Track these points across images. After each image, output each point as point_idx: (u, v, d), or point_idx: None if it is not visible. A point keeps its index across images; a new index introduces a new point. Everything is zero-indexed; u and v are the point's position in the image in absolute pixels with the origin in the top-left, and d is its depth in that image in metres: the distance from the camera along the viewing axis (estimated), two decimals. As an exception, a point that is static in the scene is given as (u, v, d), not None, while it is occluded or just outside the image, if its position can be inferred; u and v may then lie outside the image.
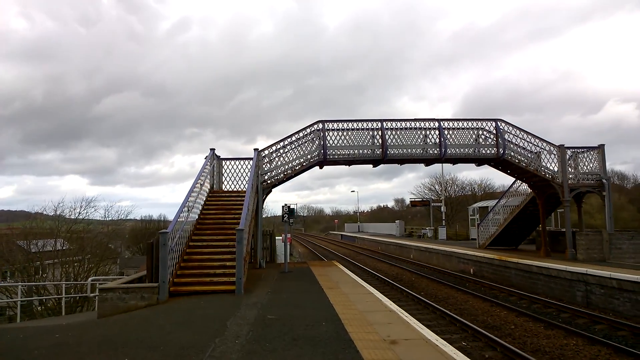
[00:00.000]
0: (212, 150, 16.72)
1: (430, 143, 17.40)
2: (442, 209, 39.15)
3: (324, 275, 13.79)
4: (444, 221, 39.09)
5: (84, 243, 23.91)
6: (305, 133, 17.28)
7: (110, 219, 26.46)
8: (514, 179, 20.93)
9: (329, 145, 17.05)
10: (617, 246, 16.48)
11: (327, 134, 17.11)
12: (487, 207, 33.27)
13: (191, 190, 12.95)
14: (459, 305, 14.34)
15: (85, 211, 24.28)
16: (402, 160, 18.02)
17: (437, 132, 17.47)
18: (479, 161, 18.29)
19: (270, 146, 17.20)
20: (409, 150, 17.33)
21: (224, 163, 18.02)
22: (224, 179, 17.88)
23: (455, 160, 18.00)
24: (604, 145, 17.89)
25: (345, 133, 17.25)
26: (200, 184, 14.43)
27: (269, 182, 17.01)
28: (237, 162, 17.91)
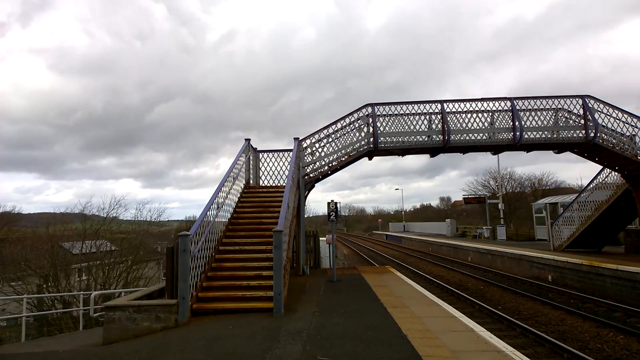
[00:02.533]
0: (247, 140, 14.65)
1: (501, 127, 14.55)
2: (500, 207, 35.60)
3: (381, 287, 11.33)
4: (502, 220, 35.52)
5: (122, 244, 22.64)
6: (352, 119, 14.89)
7: (147, 219, 25.11)
8: (601, 168, 17.61)
9: (379, 132, 14.55)
10: None
11: (377, 119, 14.63)
12: (558, 203, 29.64)
13: (222, 185, 10.87)
14: (555, 325, 11.48)
15: (114, 211, 22.96)
16: (466, 148, 15.24)
17: (507, 114, 14.60)
18: (562, 147, 15.21)
19: (312, 135, 14.94)
20: (474, 135, 14.56)
21: (261, 156, 15.92)
22: (261, 173, 15.77)
23: (532, 146, 15.02)
24: None
25: (398, 119, 14.70)
26: (234, 178, 12.36)
27: (311, 175, 14.74)
28: (276, 155, 15.75)
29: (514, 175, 45.74)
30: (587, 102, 14.38)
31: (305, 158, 14.78)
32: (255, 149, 15.73)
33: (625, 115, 14.46)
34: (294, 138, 14.67)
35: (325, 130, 14.82)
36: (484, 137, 14.46)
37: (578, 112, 14.52)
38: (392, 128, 14.68)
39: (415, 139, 14.63)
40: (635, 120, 14.46)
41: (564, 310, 13.11)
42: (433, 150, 15.21)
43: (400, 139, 14.62)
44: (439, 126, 14.54)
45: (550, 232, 22.51)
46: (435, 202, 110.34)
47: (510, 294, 16.61)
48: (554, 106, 14.59)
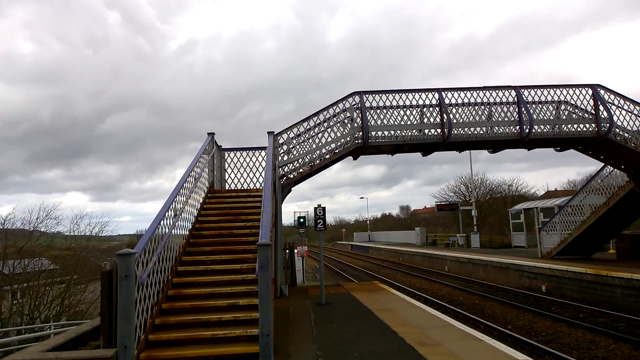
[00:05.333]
0: (211, 135, 12.14)
1: (506, 120, 12.82)
2: (473, 213, 34.47)
3: (385, 311, 9.09)
4: (475, 227, 34.37)
5: (55, 262, 19.21)
6: (337, 110, 12.70)
7: (88, 233, 21.63)
8: (599, 169, 16.35)
9: (370, 125, 12.44)
10: None
11: (366, 111, 12.51)
12: (534, 208, 28.68)
13: (180, 186, 8.33)
14: (588, 350, 9.62)
15: (43, 224, 19.41)
16: (467, 144, 13.40)
17: (510, 107, 12.90)
18: (569, 143, 13.67)
19: (289, 128, 12.63)
20: (477, 130, 12.76)
21: (227, 155, 13.41)
22: (227, 175, 13.25)
23: (539, 142, 13.37)
24: None
25: (390, 111, 12.65)
26: (195, 179, 9.81)
27: (289, 176, 12.40)
28: (245, 154, 13.28)
29: (486, 181, 45.18)
30: (598, 92, 12.91)
31: (282, 157, 12.43)
32: (220, 147, 13.21)
33: (639, 108, 13.10)
34: (268, 132, 12.31)
35: (305, 124, 12.56)
36: (488, 132, 12.66)
37: (588, 103, 13.00)
38: (383, 121, 12.60)
39: (410, 134, 12.62)
40: (646, 111, 13.15)
41: (584, 328, 11.37)
42: (429, 146, 13.26)
43: (393, 133, 12.56)
44: (437, 119, 12.60)
45: (538, 238, 21.17)
46: (395, 211, 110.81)
47: (510, 308, 14.83)
48: (561, 97, 13.02)
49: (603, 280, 14.16)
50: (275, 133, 12.46)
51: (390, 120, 12.61)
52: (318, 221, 10.23)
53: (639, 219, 17.99)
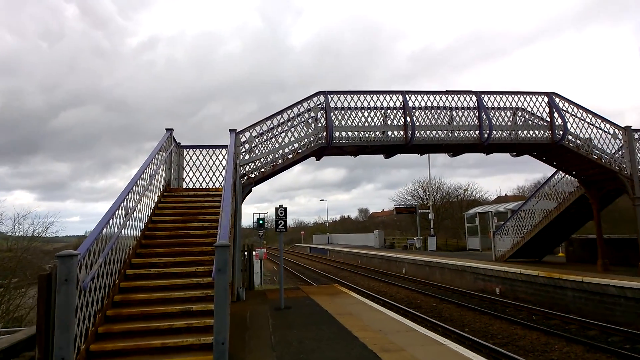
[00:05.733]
0: (170, 131, 11.56)
1: (467, 125, 12.99)
2: (431, 217, 35.10)
3: (346, 315, 8.88)
4: (432, 230, 35.00)
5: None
6: (301, 110, 12.42)
7: (30, 234, 20.17)
8: (551, 174, 16.92)
9: (334, 125, 12.24)
10: None
11: (331, 111, 12.31)
12: (489, 212, 29.49)
13: (132, 184, 7.78)
14: (543, 352, 9.79)
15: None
16: (428, 147, 13.47)
17: (471, 112, 13.10)
18: (524, 148, 14.03)
19: (252, 127, 12.23)
20: (439, 133, 12.84)
21: (185, 152, 12.82)
22: (185, 173, 12.67)
23: (497, 147, 13.64)
24: (678, 127, 14.13)
25: (354, 112, 12.51)
26: (150, 176, 9.24)
27: (251, 176, 11.99)
28: (205, 151, 12.75)
29: (443, 185, 46.20)
30: (554, 100, 13.31)
31: (244, 155, 12.00)
32: (178, 144, 12.62)
33: (590, 116, 13.62)
34: (230, 130, 11.87)
35: (269, 122, 12.19)
36: (449, 136, 12.77)
37: (544, 110, 13.39)
38: (348, 122, 12.45)
39: (373, 135, 12.52)
40: (599, 121, 13.67)
41: (539, 330, 11.62)
42: (392, 148, 13.22)
43: (357, 134, 12.41)
44: (400, 121, 12.58)
45: (493, 241, 21.73)
46: (354, 214, 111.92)
47: (466, 310, 15.03)
48: (519, 104, 13.33)
49: (555, 283, 14.60)
50: (237, 131, 12.03)
51: (355, 121, 12.47)
52: (279, 222, 9.90)
53: (588, 224, 18.74)
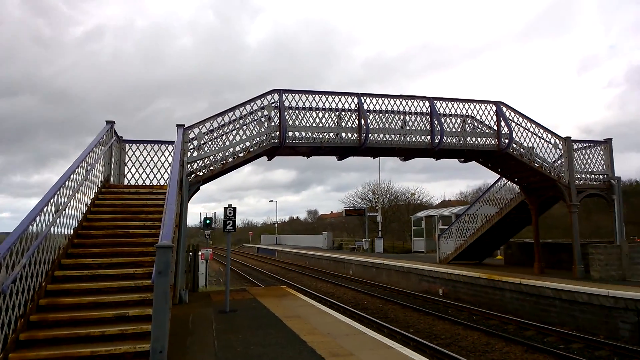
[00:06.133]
0: (111, 123, 10.86)
1: (419, 129, 13.20)
2: (379, 219, 35.67)
3: (294, 318, 8.67)
4: (380, 232, 35.59)
5: None
6: (254, 107, 12.08)
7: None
8: (494, 181, 17.61)
9: (288, 124, 12.01)
10: (636, 261, 13.55)
11: (285, 110, 12.06)
12: (434, 216, 30.35)
13: (65, 179, 7.17)
14: (484, 352, 10.05)
15: None
16: (381, 150, 13.55)
17: (424, 117, 13.34)
18: (472, 155, 14.46)
19: (202, 123, 11.73)
20: (392, 137, 12.95)
21: (128, 147, 12.11)
22: (127, 169, 11.96)
23: (449, 152, 13.97)
24: (611, 139, 15.09)
25: (309, 113, 12.34)
26: (87, 170, 8.58)
27: (198, 174, 11.49)
28: (150, 147, 12.11)
29: (391, 189, 47.11)
30: (501, 109, 13.81)
31: (192, 152, 11.49)
32: (120, 138, 11.89)
33: (533, 126, 14.25)
34: (178, 125, 11.32)
35: (220, 119, 11.75)
36: (402, 140, 12.90)
37: (491, 119, 13.86)
38: (302, 121, 12.26)
39: (327, 136, 12.42)
40: (541, 131, 14.34)
41: (480, 330, 11.97)
42: (346, 150, 13.17)
43: (311, 135, 12.25)
44: (355, 123, 12.56)
45: (437, 244, 22.33)
46: (302, 215, 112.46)
47: (411, 311, 15.26)
48: (468, 111, 13.72)
49: (495, 285, 15.15)
50: (186, 126, 11.50)
51: (309, 121, 12.30)
52: (227, 222, 9.52)
53: (525, 228, 19.69)
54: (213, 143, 11.81)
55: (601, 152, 15.00)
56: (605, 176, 14.88)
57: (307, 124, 12.30)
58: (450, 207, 37.44)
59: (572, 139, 14.71)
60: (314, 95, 12.41)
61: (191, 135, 11.57)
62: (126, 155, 12.07)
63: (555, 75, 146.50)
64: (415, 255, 29.71)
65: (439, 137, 12.94)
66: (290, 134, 12.16)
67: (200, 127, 11.63)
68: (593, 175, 14.80)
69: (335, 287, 22.53)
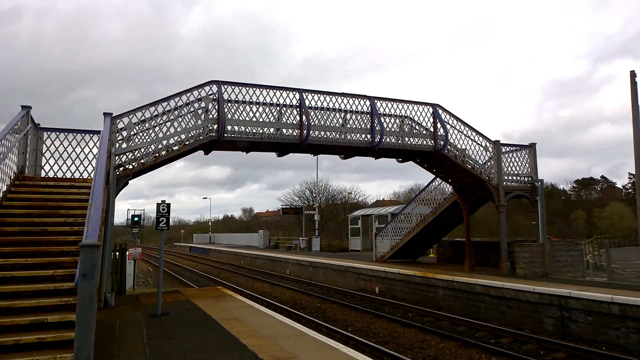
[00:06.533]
0: (26, 109, 9.77)
1: (360, 128, 13.26)
2: (316, 218, 35.77)
3: (233, 320, 8.27)
4: (317, 231, 35.69)
5: None
6: (190, 99, 11.46)
7: None
8: (429, 181, 18.19)
9: (227, 118, 11.51)
10: (557, 259, 14.55)
11: (224, 103, 11.55)
12: (371, 215, 30.92)
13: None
14: (421, 349, 10.23)
15: None
16: (322, 148, 13.44)
17: (365, 116, 13.43)
18: (409, 155, 14.80)
19: (132, 112, 10.93)
20: (332, 134, 12.90)
21: (46, 135, 10.98)
22: (44, 160, 10.84)
23: (388, 152, 14.17)
24: (535, 144, 16.12)
25: (249, 106, 11.94)
26: (-4, 160, 7.60)
27: (127, 167, 10.68)
28: (72, 136, 11.05)
29: (329, 187, 47.41)
30: (438, 111, 14.24)
31: (120, 143, 10.65)
32: (37, 125, 10.75)
33: (467, 128, 14.84)
34: (105, 113, 10.44)
35: (152, 109, 11.01)
36: (343, 138, 12.88)
37: (428, 120, 14.25)
38: (242, 115, 11.82)
39: (268, 132, 12.08)
40: (474, 134, 14.97)
41: (416, 327, 12.21)
42: (286, 146, 12.90)
43: (251, 130, 11.85)
44: (296, 119, 12.34)
45: (374, 243, 22.71)
46: (237, 214, 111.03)
47: (349, 310, 15.32)
48: (407, 112, 14.01)
49: (429, 282, 15.61)
50: (114, 115, 10.63)
51: (249, 115, 11.90)
52: (160, 219, 8.90)
53: (457, 227, 20.55)
54: (145, 134, 11.05)
55: (526, 156, 16.00)
56: (529, 178, 15.88)
57: (247, 118, 11.90)
58: (384, 206, 38.43)
59: (501, 142, 15.52)
60: (254, 89, 12.03)
61: (120, 125, 10.73)
62: (44, 145, 10.94)
63: (481, 83, 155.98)
64: (352, 253, 30.10)
65: (379, 136, 13.07)
66: (230, 127, 11.69)
67: (130, 116, 10.81)
68: (519, 177, 15.74)
69: (273, 287, 22.18)
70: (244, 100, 11.85)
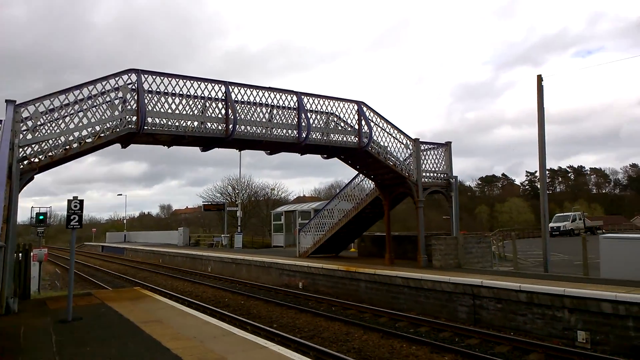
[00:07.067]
0: None
1: (287, 123, 13.24)
2: (239, 214, 35.20)
3: (154, 323, 7.88)
4: (239, 227, 35.16)
5: None
6: (106, 87, 10.67)
7: None
8: (352, 177, 18.69)
9: (148, 110, 10.89)
10: (468, 250, 15.66)
11: (144, 93, 10.91)
12: (295, 211, 31.08)
13: None
14: (345, 342, 10.49)
15: None
16: (249, 143, 13.21)
17: (292, 112, 13.45)
18: (335, 151, 15.06)
19: (40, 100, 9.93)
20: (259, 129, 12.75)
21: None
22: None
23: (314, 148, 14.31)
24: (450, 142, 17.19)
25: (172, 98, 11.39)
26: None
27: (34, 160, 9.70)
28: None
29: (252, 184, 46.74)
30: (362, 108, 14.64)
31: (25, 134, 9.64)
32: None
33: (389, 126, 15.43)
34: (7, 101, 9.39)
35: (63, 97, 10.07)
36: (270, 133, 12.78)
37: (354, 117, 14.61)
38: (164, 106, 11.24)
39: (192, 125, 11.61)
40: (395, 131, 15.60)
41: (340, 321, 12.50)
42: (211, 141, 12.50)
43: (173, 122, 11.31)
44: (222, 112, 12.00)
45: (298, 238, 22.88)
46: (155, 211, 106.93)
47: (274, 306, 15.29)
48: (333, 109, 14.25)
49: (351, 276, 16.04)
50: (17, 103, 9.59)
51: (172, 107, 11.34)
52: (72, 217, 8.20)
53: (378, 222, 21.34)
54: (54, 125, 10.12)
55: (442, 154, 17.02)
56: (445, 175, 16.93)
57: (170, 111, 11.35)
58: (305, 202, 38.85)
59: (420, 140, 16.36)
60: (178, 80, 11.50)
61: (25, 115, 9.72)
62: None
63: (398, 85, 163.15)
64: (275, 250, 30.08)
65: (306, 132, 13.16)
66: (150, 120, 11.08)
67: (37, 104, 9.83)
68: (436, 174, 16.72)
69: (194, 286, 21.48)
70: (166, 91, 11.27)
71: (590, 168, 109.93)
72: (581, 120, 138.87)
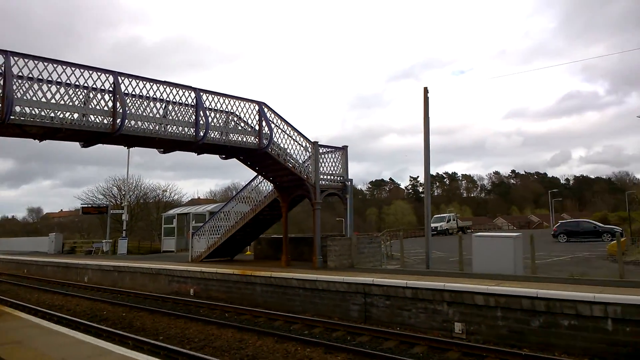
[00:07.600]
0: None
1: (184, 121, 12.49)
2: (124, 217, 32.50)
3: (12, 345, 6.77)
4: (124, 232, 32.48)
5: None
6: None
7: None
8: (250, 179, 18.33)
9: (17, 97, 9.42)
10: (361, 250, 16.24)
11: (13, 78, 9.42)
12: (189, 213, 29.63)
13: None
14: (238, 349, 10.11)
15: None
16: (139, 139, 12.16)
17: (189, 109, 12.74)
18: (235, 151, 14.61)
19: None
20: (151, 125, 11.84)
21: None
22: None
23: (212, 147, 13.70)
24: (347, 146, 17.71)
25: (48, 85, 10.01)
26: None
27: None
28: None
29: (141, 185, 43.35)
30: (263, 109, 14.41)
31: None
32: None
33: (289, 128, 15.41)
34: None
35: None
36: (164, 130, 11.91)
37: (254, 118, 14.32)
38: (37, 94, 9.82)
39: (71, 117, 10.31)
40: (295, 134, 15.63)
41: (233, 327, 12.04)
42: (95, 136, 11.23)
43: (48, 113, 9.92)
44: (108, 105, 10.87)
45: (191, 242, 21.82)
46: (22, 214, 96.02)
47: (160, 316, 14.21)
48: (233, 108, 13.81)
49: (247, 280, 15.65)
50: None
51: (47, 95, 9.94)
52: None
53: (275, 225, 21.23)
54: None
55: (339, 157, 17.53)
56: (342, 178, 17.44)
57: (44, 99, 9.96)
58: (200, 205, 37.31)
59: (319, 143, 16.63)
60: (55, 65, 10.14)
61: None
62: None
63: (297, 88, 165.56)
64: (165, 255, 28.38)
65: (204, 130, 12.55)
66: (18, 109, 9.62)
67: None
68: (333, 177, 17.14)
69: (66, 299, 19.15)
70: (40, 77, 9.86)
71: (461, 174, 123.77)
72: (454, 132, 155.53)
